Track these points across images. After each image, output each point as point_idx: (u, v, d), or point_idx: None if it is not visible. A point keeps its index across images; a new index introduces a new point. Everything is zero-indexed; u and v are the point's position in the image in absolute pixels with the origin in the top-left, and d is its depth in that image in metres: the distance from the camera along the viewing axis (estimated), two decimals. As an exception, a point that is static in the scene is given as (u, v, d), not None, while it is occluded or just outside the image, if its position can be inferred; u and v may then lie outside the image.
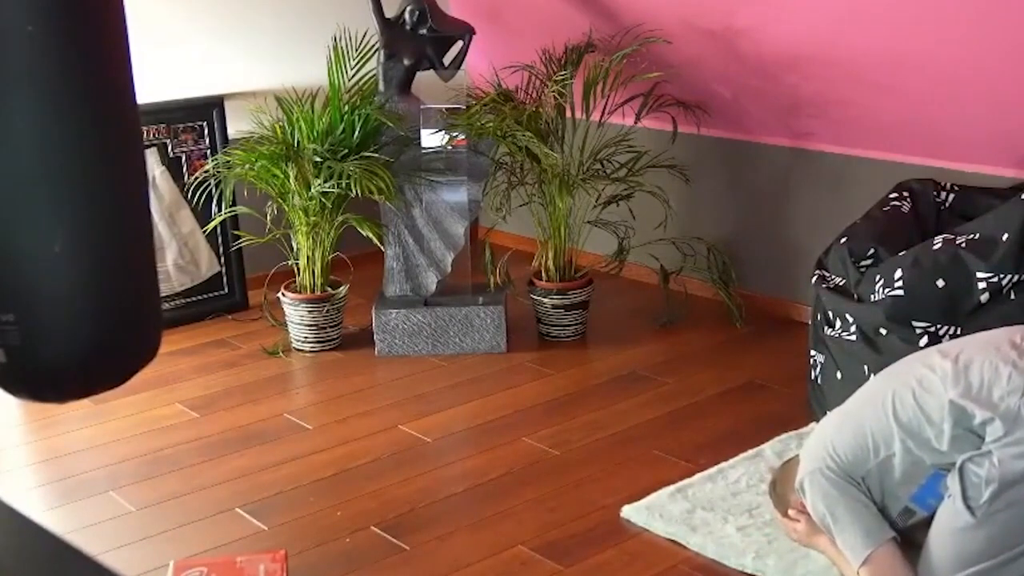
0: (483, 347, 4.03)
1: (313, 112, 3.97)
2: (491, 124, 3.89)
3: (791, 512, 2.62)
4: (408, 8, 4.08)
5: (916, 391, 2.33)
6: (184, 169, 4.38)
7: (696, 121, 4.11)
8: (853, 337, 3.18)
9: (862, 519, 2.38)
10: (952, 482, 2.27)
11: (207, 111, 4.40)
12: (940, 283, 2.99)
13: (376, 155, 3.93)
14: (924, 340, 2.96)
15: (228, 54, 4.51)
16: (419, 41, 4.09)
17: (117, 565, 2.35)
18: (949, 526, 2.28)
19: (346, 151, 3.92)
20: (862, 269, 3.26)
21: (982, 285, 2.95)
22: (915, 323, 3.01)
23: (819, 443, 2.48)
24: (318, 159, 3.87)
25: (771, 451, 3.19)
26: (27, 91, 0.94)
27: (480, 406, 3.62)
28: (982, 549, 2.23)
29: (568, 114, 3.99)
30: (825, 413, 3.23)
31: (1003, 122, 3.44)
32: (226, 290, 4.54)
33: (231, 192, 4.11)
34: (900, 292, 3.04)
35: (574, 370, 3.90)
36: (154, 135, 4.28)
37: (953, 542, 2.28)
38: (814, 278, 3.40)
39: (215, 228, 4.37)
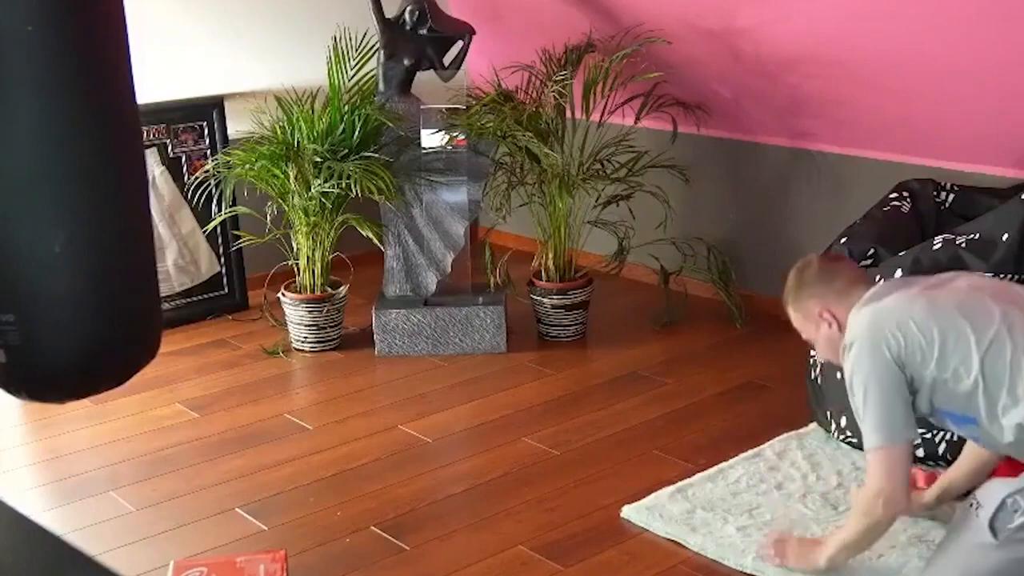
0: (483, 347, 4.03)
1: (313, 112, 3.97)
2: (491, 124, 3.89)
3: (771, 549, 2.59)
4: (408, 8, 4.08)
5: (1015, 357, 2.19)
6: (184, 169, 4.38)
7: (696, 121, 4.11)
8: (853, 337, 3.17)
9: (893, 410, 2.29)
10: (985, 499, 2.24)
11: (207, 111, 4.40)
12: (940, 283, 2.99)
13: (376, 155, 3.93)
14: (924, 340, 2.96)
15: (228, 54, 4.51)
16: (419, 41, 4.09)
17: (117, 565, 2.34)
18: (967, 538, 2.26)
19: (346, 151, 3.92)
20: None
21: (982, 285, 2.94)
22: (915, 323, 3.00)
23: (893, 317, 2.31)
24: (318, 159, 3.87)
25: (771, 451, 3.19)
26: (27, 91, 0.94)
27: (480, 406, 3.62)
28: (992, 570, 2.21)
29: (568, 114, 3.99)
30: (825, 413, 3.23)
31: (1003, 122, 3.44)
32: (226, 290, 4.54)
33: (231, 192, 4.11)
34: (900, 292, 3.03)
35: (574, 370, 3.90)
36: (154, 135, 4.28)
37: (966, 553, 2.26)
38: (814, 278, 3.39)
39: (215, 228, 4.37)
